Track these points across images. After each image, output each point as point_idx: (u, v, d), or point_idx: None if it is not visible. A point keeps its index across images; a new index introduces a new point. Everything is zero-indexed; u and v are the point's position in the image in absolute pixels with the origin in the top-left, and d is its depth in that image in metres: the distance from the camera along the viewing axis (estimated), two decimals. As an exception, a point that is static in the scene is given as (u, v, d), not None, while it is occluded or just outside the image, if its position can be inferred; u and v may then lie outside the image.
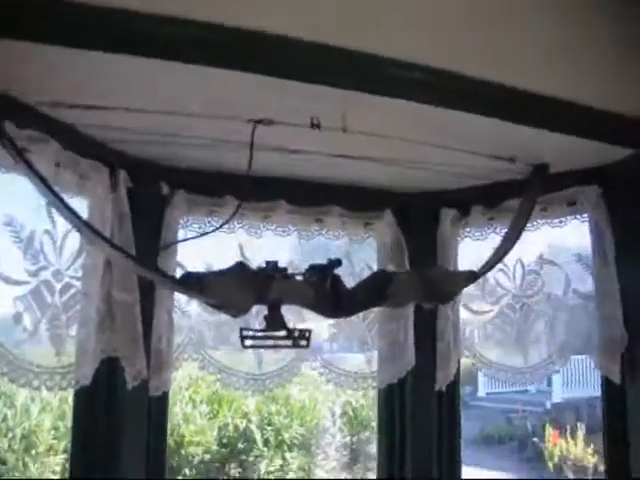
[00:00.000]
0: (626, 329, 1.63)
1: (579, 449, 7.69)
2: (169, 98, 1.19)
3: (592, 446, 7.55)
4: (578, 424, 8.16)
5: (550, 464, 7.84)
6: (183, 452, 6.02)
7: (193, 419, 6.21)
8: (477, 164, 1.57)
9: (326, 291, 1.27)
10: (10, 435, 5.30)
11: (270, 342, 1.30)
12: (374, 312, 1.81)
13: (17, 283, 1.19)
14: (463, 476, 1.91)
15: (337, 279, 1.29)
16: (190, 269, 1.55)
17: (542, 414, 9.58)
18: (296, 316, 1.56)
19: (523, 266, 1.82)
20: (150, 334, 1.47)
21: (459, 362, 1.86)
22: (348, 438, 6.83)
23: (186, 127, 1.28)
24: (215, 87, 1.13)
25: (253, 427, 6.41)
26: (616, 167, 1.63)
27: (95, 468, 1.42)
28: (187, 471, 6.03)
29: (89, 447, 1.43)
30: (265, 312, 1.27)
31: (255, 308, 1.40)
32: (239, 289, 1.17)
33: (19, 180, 1.11)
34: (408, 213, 1.84)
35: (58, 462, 5.33)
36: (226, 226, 1.58)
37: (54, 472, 5.30)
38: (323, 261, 1.31)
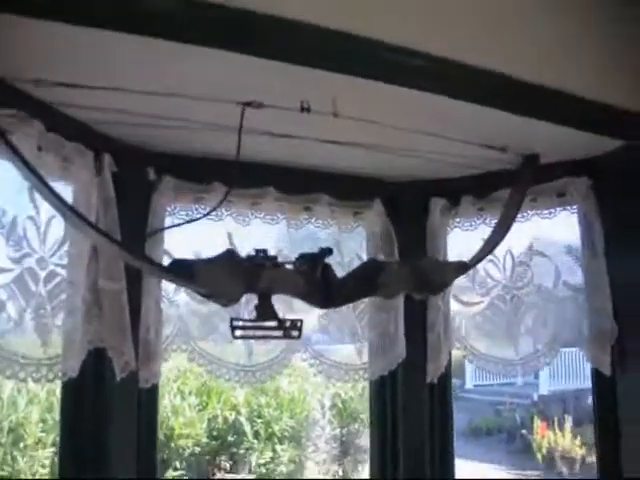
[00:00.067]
0: (616, 321, 1.64)
1: (567, 441, 7.78)
2: (156, 79, 1.16)
3: (579, 438, 7.65)
4: (565, 416, 8.26)
5: (539, 456, 7.92)
6: (173, 445, 6.00)
7: (182, 411, 6.19)
8: (468, 153, 1.56)
9: (317, 280, 1.25)
10: (-3, 428, 5.26)
11: (261, 332, 1.28)
12: (364, 302, 1.80)
13: (0, 271, 1.17)
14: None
15: (328, 268, 1.28)
16: (178, 257, 1.53)
17: (529, 406, 9.68)
18: (285, 306, 1.55)
19: (513, 257, 1.82)
20: (138, 324, 1.45)
21: (450, 354, 1.86)
22: (338, 430, 6.85)
23: (173, 109, 1.26)
24: (204, 69, 1.11)
25: (243, 419, 6.41)
26: (606, 159, 1.63)
27: (85, 462, 1.40)
28: (177, 464, 6.02)
29: (78, 441, 1.41)
30: (254, 302, 1.26)
31: (244, 298, 1.39)
32: (229, 277, 1.15)
33: (-1, 163, 1.08)
34: (397, 203, 1.84)
35: (47, 455, 5.29)
36: (214, 213, 1.56)
37: (43, 465, 5.26)
38: (311, 250, 1.30)
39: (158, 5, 0.91)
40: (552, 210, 1.77)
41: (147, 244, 1.49)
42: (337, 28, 1.00)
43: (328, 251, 1.26)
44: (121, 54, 1.05)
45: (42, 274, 1.24)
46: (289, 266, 1.28)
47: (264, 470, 6.34)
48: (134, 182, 1.47)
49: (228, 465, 6.46)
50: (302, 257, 1.27)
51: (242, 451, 6.37)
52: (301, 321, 1.26)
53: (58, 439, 1.47)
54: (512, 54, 1.21)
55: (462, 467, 1.96)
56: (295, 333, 1.26)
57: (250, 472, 6.38)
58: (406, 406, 1.83)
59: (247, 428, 6.35)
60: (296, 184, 1.70)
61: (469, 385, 10.85)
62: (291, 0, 0.97)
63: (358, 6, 1.01)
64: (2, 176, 1.13)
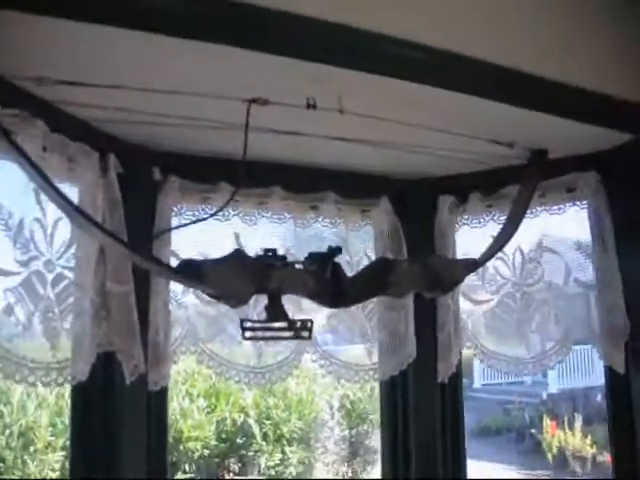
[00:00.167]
0: (628, 317, 1.61)
1: (577, 439, 7.73)
2: (160, 76, 1.15)
3: (590, 437, 7.60)
4: (575, 415, 8.20)
5: (549, 455, 7.87)
6: (182, 447, 6.01)
7: (191, 414, 6.19)
8: (475, 149, 1.55)
9: (327, 280, 1.24)
10: (7, 432, 5.27)
11: (271, 333, 1.27)
12: (373, 302, 1.78)
13: (7, 274, 1.15)
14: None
15: (338, 267, 1.26)
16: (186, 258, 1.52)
17: (538, 405, 9.63)
18: (294, 306, 1.54)
19: (523, 254, 1.80)
20: (147, 327, 1.44)
21: (460, 353, 1.84)
22: (347, 431, 6.83)
23: (178, 107, 1.25)
24: (209, 66, 1.10)
25: (251, 421, 6.41)
26: (615, 153, 1.61)
27: (95, 465, 1.39)
28: (186, 467, 6.02)
29: (88, 444, 1.40)
30: (262, 303, 1.24)
31: (252, 299, 1.38)
32: (239, 278, 1.14)
33: (4, 165, 1.07)
34: (405, 200, 1.82)
35: (57, 459, 5.30)
36: (220, 213, 1.55)
37: (53, 469, 5.28)
38: (318, 249, 1.29)
39: (158, 1, 0.90)
40: (561, 206, 1.75)
41: (154, 245, 1.48)
42: (339, 21, 0.99)
43: (338, 250, 1.25)
44: (125, 51, 1.04)
45: (50, 277, 1.23)
46: (298, 266, 1.27)
47: (273, 472, 6.34)
48: (140, 183, 1.47)
49: (237, 467, 6.45)
50: (311, 256, 1.26)
51: (251, 453, 6.37)
52: (311, 321, 1.25)
53: (68, 443, 1.46)
54: (512, 46, 1.20)
55: (472, 467, 1.94)
56: (305, 334, 1.24)
57: (259, 474, 6.37)
58: (417, 406, 1.81)
59: (256, 430, 6.35)
60: (303, 182, 1.69)
61: (477, 384, 10.80)
62: None
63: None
64: (8, 178, 1.12)
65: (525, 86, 1.24)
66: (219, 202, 1.52)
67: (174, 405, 6.03)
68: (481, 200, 1.80)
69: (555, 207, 1.76)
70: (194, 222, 1.55)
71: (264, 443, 6.34)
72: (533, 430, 8.51)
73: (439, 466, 1.80)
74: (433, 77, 1.15)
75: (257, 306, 1.54)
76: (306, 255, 1.28)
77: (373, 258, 1.78)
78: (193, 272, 1.13)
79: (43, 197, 1.18)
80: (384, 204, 1.78)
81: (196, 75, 1.14)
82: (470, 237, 1.85)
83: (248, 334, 1.24)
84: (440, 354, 1.79)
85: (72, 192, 1.31)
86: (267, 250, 1.21)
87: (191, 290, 1.56)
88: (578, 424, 7.93)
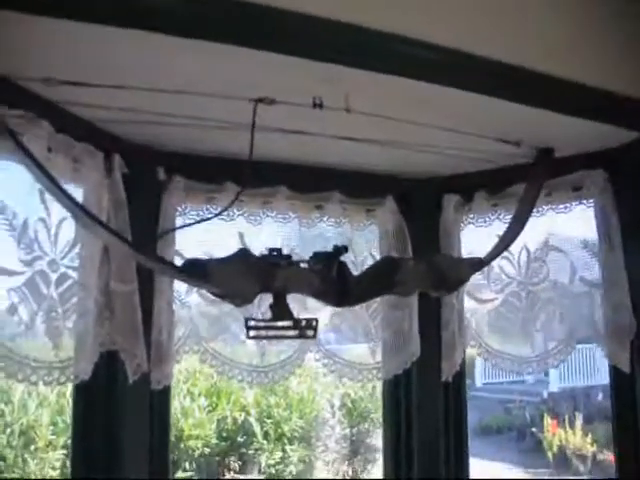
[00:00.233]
0: (634, 316, 1.60)
1: (578, 438, 7.73)
2: (165, 76, 1.14)
3: (590, 435, 7.60)
4: (576, 413, 8.20)
5: (550, 454, 7.87)
6: (182, 446, 6.00)
7: (192, 412, 6.19)
8: (482, 148, 1.54)
9: (332, 279, 1.23)
10: (8, 431, 5.27)
11: (275, 332, 1.26)
12: (377, 301, 1.77)
13: (11, 273, 1.15)
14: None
15: (343, 266, 1.26)
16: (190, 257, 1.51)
17: (539, 404, 9.62)
18: (299, 305, 1.53)
19: (528, 253, 1.79)
20: (150, 326, 1.43)
21: (464, 352, 1.83)
22: (348, 430, 6.82)
23: (183, 107, 1.24)
24: (215, 65, 1.09)
25: (252, 420, 6.41)
26: (623, 151, 1.60)
27: (97, 464, 1.39)
28: (187, 465, 6.02)
29: (90, 443, 1.40)
30: (266, 302, 1.24)
31: (257, 298, 1.37)
32: (244, 277, 1.13)
33: (9, 166, 1.06)
34: (410, 199, 1.81)
35: (57, 457, 5.30)
36: (225, 213, 1.55)
37: (54, 468, 5.28)
38: (323, 249, 1.28)
39: (158, 0, 0.90)
40: (568, 204, 1.74)
41: (158, 245, 1.48)
42: (348, 21, 0.98)
43: (344, 249, 1.24)
44: (129, 51, 1.04)
45: (53, 277, 1.22)
46: (304, 265, 1.26)
47: (274, 470, 6.34)
48: (144, 183, 1.46)
49: (238, 466, 6.45)
50: (317, 255, 1.25)
51: (252, 452, 6.37)
52: (316, 320, 1.24)
53: (69, 441, 1.46)
54: (520, 44, 1.20)
55: (472, 466, 1.93)
56: (310, 333, 1.24)
57: (260, 472, 6.37)
58: (420, 404, 1.81)
59: (257, 429, 6.35)
60: (308, 182, 1.68)
61: (478, 383, 10.79)
62: None
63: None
64: (12, 178, 1.11)
65: (532, 83, 1.23)
66: (224, 202, 1.51)
67: (175, 404, 6.03)
68: (487, 199, 1.79)
69: (561, 206, 1.75)
70: (198, 222, 1.54)
71: (265, 442, 6.34)
72: (534, 429, 8.50)
73: (441, 465, 1.79)
74: (443, 76, 1.15)
75: (262, 305, 1.54)
76: (311, 254, 1.27)
77: (378, 258, 1.78)
78: (198, 271, 1.12)
79: (47, 197, 1.18)
80: (389, 203, 1.77)
81: (202, 75, 1.13)
82: (475, 236, 1.84)
83: (252, 333, 1.24)
84: (444, 353, 1.78)
85: (77, 192, 1.30)
86: (272, 249, 1.21)
87: (194, 290, 1.55)
88: (579, 423, 7.92)
